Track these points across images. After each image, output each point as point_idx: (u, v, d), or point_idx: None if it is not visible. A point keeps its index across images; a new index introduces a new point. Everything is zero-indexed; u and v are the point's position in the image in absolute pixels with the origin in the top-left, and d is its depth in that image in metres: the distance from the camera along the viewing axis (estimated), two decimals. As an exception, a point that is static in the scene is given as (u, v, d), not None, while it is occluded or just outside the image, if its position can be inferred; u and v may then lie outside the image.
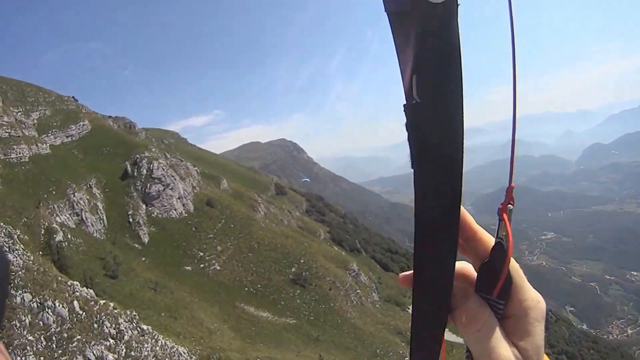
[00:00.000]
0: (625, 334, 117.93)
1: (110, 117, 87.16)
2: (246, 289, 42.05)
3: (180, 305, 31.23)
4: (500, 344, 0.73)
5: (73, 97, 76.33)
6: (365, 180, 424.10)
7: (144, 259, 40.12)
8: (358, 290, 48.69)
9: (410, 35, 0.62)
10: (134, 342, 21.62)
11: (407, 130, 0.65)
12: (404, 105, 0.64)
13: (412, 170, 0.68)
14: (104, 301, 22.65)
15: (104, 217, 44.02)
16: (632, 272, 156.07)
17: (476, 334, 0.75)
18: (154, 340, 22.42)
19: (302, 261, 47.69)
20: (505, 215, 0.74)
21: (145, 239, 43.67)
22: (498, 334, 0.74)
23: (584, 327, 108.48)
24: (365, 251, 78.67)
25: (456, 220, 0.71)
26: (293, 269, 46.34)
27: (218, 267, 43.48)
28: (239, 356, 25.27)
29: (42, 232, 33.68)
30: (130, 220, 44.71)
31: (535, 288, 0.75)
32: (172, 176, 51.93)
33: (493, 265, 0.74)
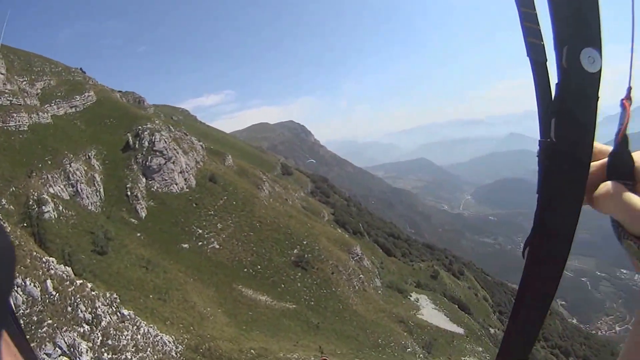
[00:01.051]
0: (614, 331, 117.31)
1: (119, 91, 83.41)
2: (245, 270, 38.73)
3: (172, 286, 27.95)
4: None
5: (81, 68, 72.72)
6: (370, 165, 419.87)
7: (139, 234, 36.80)
8: (361, 275, 45.42)
9: (548, 82, 0.71)
10: (112, 328, 18.37)
11: (538, 163, 0.76)
12: (540, 141, 0.76)
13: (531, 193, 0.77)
14: (82, 281, 19.33)
15: (101, 190, 40.65)
16: (622, 270, 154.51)
17: (619, 201, 0.79)
18: (135, 327, 19.15)
19: (304, 243, 44.31)
20: (626, 103, 0.76)
21: (143, 214, 40.31)
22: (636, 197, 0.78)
23: (574, 321, 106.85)
24: (368, 235, 75.59)
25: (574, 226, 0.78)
26: (295, 251, 42.99)
27: (217, 246, 40.11)
28: (231, 346, 22.05)
29: (30, 203, 30.43)
30: (128, 193, 41.31)
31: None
32: (175, 149, 48.28)
33: (618, 153, 0.78)
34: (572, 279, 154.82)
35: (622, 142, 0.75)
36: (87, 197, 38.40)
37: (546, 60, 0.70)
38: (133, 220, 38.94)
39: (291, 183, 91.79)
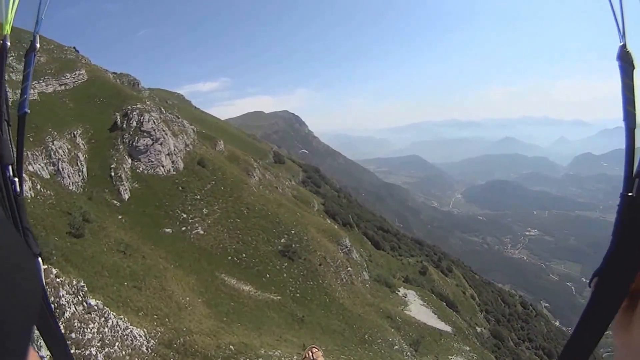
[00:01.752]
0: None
1: (114, 72, 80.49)
2: (229, 257, 36.85)
3: (151, 273, 26.04)
4: None
5: (74, 47, 69.81)
6: (362, 159, 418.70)
7: (120, 217, 34.74)
8: (349, 268, 43.81)
9: (634, 145, 0.77)
10: (76, 320, 16.51)
11: (617, 212, 0.82)
12: (621, 195, 0.81)
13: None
14: (46, 267, 17.47)
15: (84, 170, 38.46)
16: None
17: None
18: (102, 318, 17.30)
19: (292, 232, 42.55)
20: None
21: (126, 196, 38.22)
22: None
23: (557, 324, 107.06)
24: (358, 227, 74.16)
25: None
26: (282, 240, 41.22)
27: (201, 232, 38.16)
28: (208, 341, 20.30)
29: (4, 179, 28.27)
30: (112, 174, 39.19)
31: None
32: (164, 130, 46.00)
33: None
34: (557, 283, 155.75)
35: None
36: (69, 177, 36.22)
37: (635, 126, 0.75)
38: (115, 202, 36.86)
39: (283, 171, 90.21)
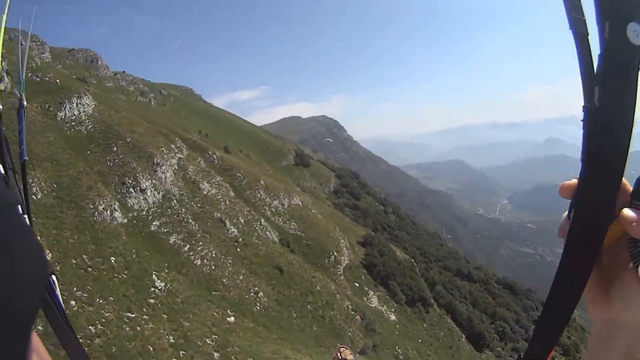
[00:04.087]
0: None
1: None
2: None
3: None
4: None
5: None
6: (403, 164, 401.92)
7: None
8: None
9: (590, 54, 0.72)
10: None
11: (583, 128, 0.74)
12: (583, 107, 0.75)
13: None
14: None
15: None
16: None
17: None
18: None
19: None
20: None
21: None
22: None
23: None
24: (427, 281, 51.55)
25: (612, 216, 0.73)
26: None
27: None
28: None
29: None
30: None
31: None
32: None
33: None
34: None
35: None
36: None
37: (588, 33, 0.72)
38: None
39: (304, 177, 77.16)
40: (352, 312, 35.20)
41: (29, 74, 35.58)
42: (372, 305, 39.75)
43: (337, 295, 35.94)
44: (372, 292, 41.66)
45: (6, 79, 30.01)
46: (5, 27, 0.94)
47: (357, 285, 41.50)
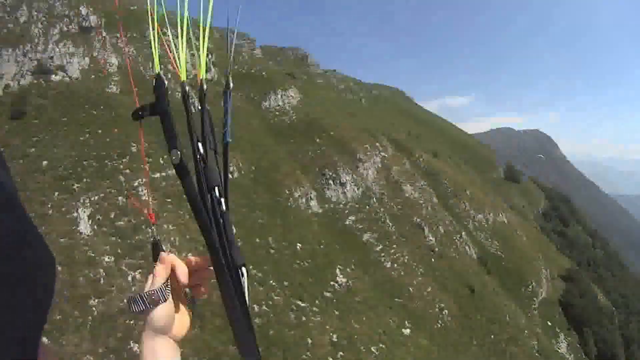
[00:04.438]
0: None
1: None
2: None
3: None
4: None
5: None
6: (615, 193, 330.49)
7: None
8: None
9: None
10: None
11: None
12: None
13: None
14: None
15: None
16: None
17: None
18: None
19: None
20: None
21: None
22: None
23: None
24: None
25: None
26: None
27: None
28: None
29: None
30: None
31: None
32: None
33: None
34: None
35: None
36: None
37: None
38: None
39: (514, 194, 69.23)
40: (537, 355, 30.23)
41: (236, 67, 40.70)
42: (560, 351, 34.29)
43: (526, 332, 31.49)
44: (564, 336, 36.17)
45: (213, 70, 34.53)
46: (215, 27, 0.99)
47: (550, 324, 36.30)
